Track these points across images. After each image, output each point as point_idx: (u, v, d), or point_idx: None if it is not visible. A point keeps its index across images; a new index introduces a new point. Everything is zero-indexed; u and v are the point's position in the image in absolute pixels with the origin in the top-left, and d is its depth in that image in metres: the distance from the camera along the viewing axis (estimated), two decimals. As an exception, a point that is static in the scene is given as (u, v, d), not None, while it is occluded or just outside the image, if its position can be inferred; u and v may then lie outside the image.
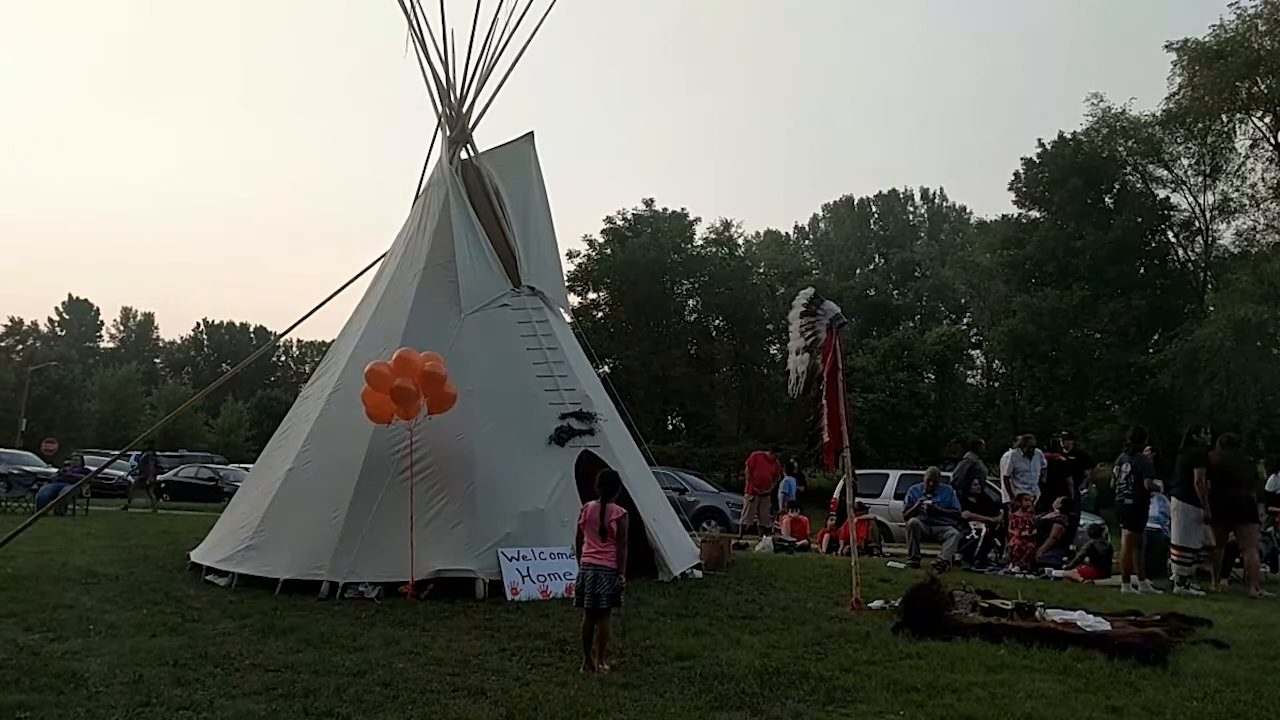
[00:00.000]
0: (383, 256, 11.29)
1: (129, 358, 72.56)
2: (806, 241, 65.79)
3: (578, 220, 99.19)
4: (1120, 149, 31.86)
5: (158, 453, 23.99)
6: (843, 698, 5.16)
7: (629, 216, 39.36)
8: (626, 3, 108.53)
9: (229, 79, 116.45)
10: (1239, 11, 28.07)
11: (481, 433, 9.12)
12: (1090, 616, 7.40)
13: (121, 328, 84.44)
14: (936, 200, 66.94)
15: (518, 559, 8.41)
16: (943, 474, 13.62)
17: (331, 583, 8.18)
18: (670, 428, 40.72)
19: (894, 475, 17.31)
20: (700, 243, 40.15)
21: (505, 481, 8.96)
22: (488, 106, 11.11)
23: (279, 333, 47.40)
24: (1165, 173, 32.03)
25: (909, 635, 6.84)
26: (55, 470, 21.53)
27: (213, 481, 27.84)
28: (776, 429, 33.77)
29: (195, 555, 9.78)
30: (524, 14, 10.83)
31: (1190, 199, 32.31)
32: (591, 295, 39.23)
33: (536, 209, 11.19)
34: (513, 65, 11.02)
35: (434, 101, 11.12)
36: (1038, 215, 33.57)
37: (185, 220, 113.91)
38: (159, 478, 23.32)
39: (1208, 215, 32.01)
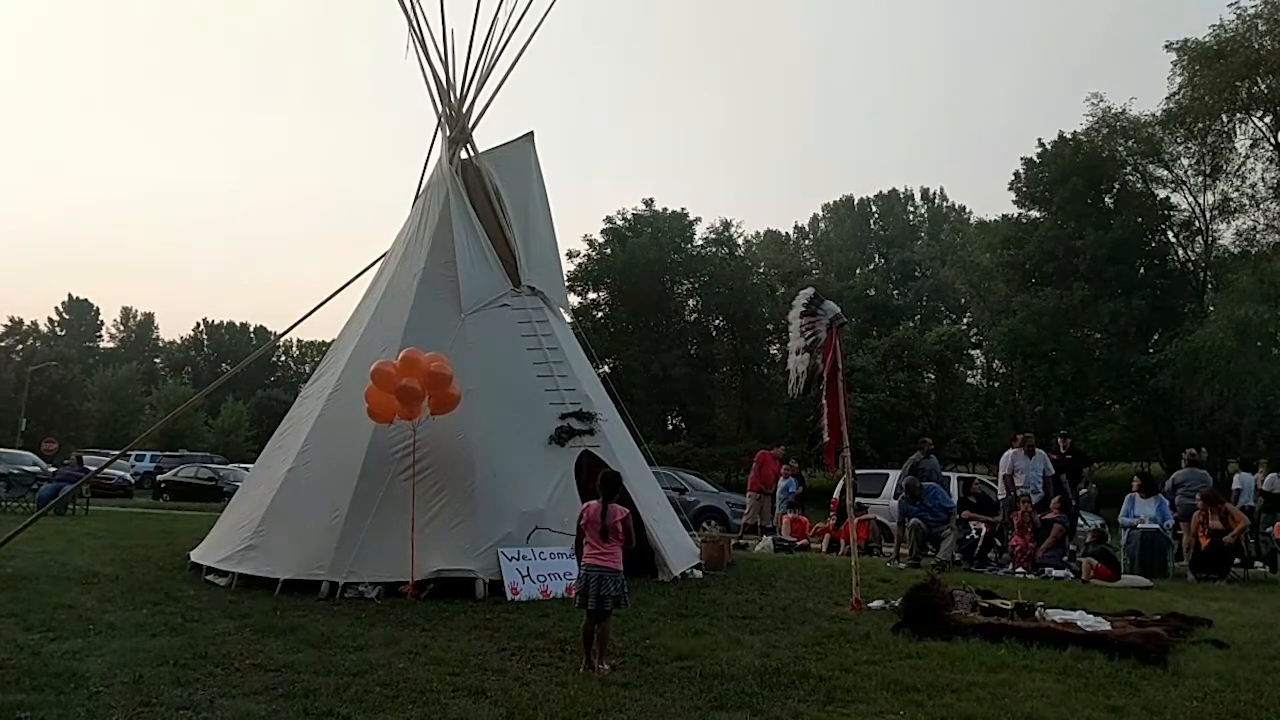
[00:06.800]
0: (383, 256, 11.29)
1: (129, 358, 72.59)
2: (806, 241, 65.76)
3: (578, 220, 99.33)
4: (1120, 149, 31.80)
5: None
6: (843, 698, 5.16)
7: (629, 216, 39.39)
8: (627, 3, 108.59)
9: (229, 78, 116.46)
10: (1239, 11, 28.04)
11: (481, 433, 9.11)
12: (1090, 616, 7.41)
13: (121, 328, 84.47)
14: (936, 200, 66.97)
15: (518, 559, 8.41)
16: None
17: (331, 583, 8.18)
18: (670, 428, 40.72)
19: (894, 475, 17.28)
20: (700, 243, 40.15)
21: (505, 481, 8.95)
22: (488, 106, 11.12)
23: (279, 333, 47.38)
24: (1165, 173, 32.00)
25: (909, 635, 6.84)
26: (54, 470, 21.50)
27: (213, 481, 27.83)
28: (776, 429, 33.76)
29: (195, 555, 9.78)
30: (524, 14, 10.86)
31: (1190, 199, 32.31)
32: (591, 295, 39.26)
33: (536, 209, 11.19)
34: (513, 65, 11.04)
35: (434, 101, 11.12)
36: (1038, 215, 33.50)
37: (185, 220, 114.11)
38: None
39: (1208, 215, 31.99)
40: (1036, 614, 7.31)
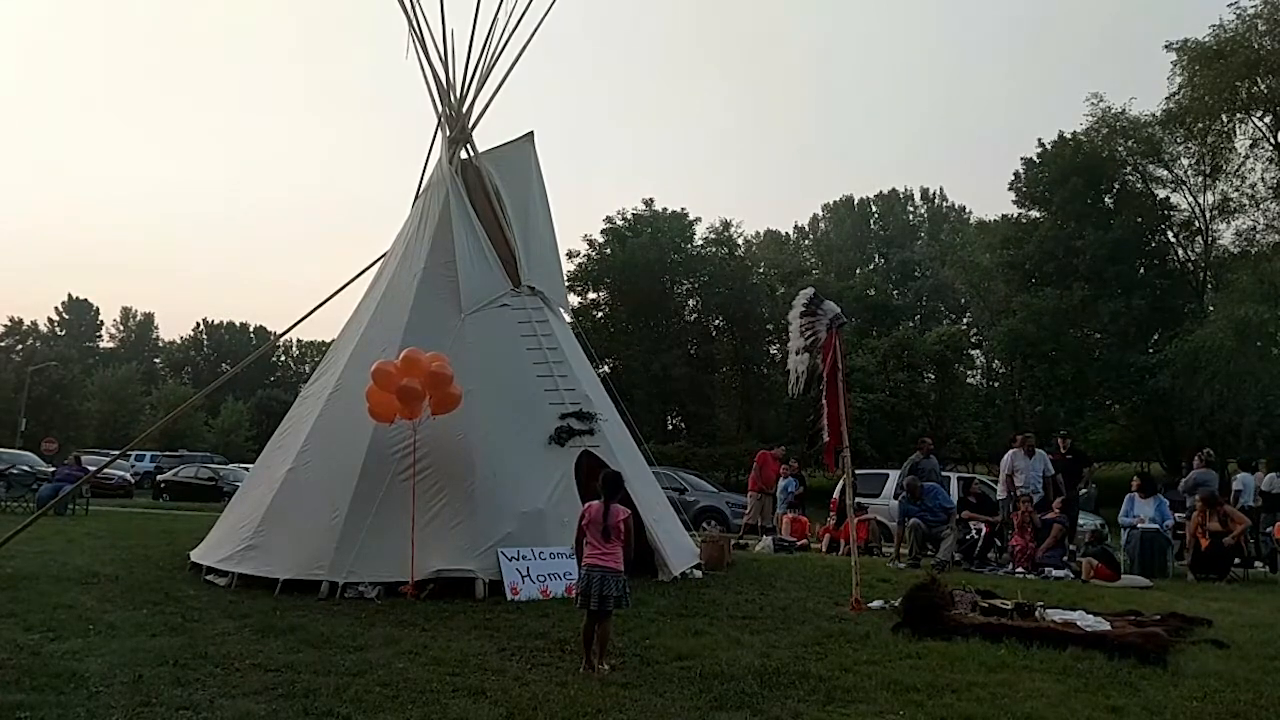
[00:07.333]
0: (383, 256, 11.29)
1: (129, 358, 72.54)
2: (806, 241, 65.80)
3: (578, 220, 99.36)
4: (1120, 149, 31.82)
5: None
6: (843, 698, 5.16)
7: (629, 216, 39.41)
8: (627, 3, 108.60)
9: (229, 79, 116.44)
10: (1239, 11, 28.08)
11: (481, 433, 9.11)
12: (1090, 616, 7.40)
13: (121, 328, 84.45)
14: (936, 200, 67.01)
15: (518, 559, 8.40)
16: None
17: (331, 583, 8.18)
18: (670, 428, 40.73)
19: (894, 475, 17.28)
20: (700, 243, 40.17)
21: (505, 481, 8.95)
22: (488, 106, 11.12)
23: (279, 333, 47.35)
24: (1165, 173, 32.02)
25: (909, 635, 6.84)
26: (54, 470, 21.49)
27: (213, 481, 27.82)
28: (776, 429, 33.77)
29: (195, 555, 9.77)
30: (524, 14, 10.86)
31: (1190, 199, 32.34)
32: (591, 295, 39.30)
33: (536, 209, 11.19)
34: (513, 65, 11.04)
35: (434, 101, 11.12)
36: (1038, 215, 33.54)
37: (185, 220, 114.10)
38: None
39: (1208, 215, 32.01)
40: (1036, 614, 7.31)
